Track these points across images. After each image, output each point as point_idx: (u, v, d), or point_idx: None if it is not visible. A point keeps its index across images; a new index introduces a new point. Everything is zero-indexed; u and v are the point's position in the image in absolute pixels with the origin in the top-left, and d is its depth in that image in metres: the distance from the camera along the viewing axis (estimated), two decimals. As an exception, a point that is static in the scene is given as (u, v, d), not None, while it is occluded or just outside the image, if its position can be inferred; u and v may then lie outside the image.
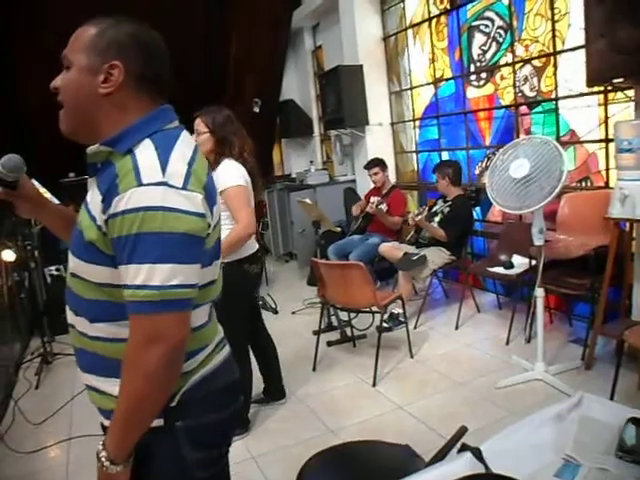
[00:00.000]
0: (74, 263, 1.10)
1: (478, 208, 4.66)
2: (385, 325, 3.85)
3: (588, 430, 0.87)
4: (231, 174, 2.64)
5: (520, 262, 3.85)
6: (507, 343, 3.67)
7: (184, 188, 1.01)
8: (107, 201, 1.00)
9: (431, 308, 4.51)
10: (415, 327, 4.07)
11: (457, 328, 4.07)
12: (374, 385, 3.27)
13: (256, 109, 6.80)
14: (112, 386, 1.08)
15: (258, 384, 3.11)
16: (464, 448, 0.93)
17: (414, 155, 5.73)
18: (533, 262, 3.57)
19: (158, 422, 1.09)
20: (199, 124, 2.75)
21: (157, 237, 0.96)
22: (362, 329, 4.05)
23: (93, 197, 1.06)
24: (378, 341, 3.35)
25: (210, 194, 1.10)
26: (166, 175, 1.00)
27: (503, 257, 4.02)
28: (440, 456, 1.07)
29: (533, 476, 0.76)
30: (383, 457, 1.20)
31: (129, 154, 1.04)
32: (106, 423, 1.13)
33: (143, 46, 1.10)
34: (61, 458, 2.85)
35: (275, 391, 3.17)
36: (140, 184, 0.98)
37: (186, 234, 0.99)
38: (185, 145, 1.09)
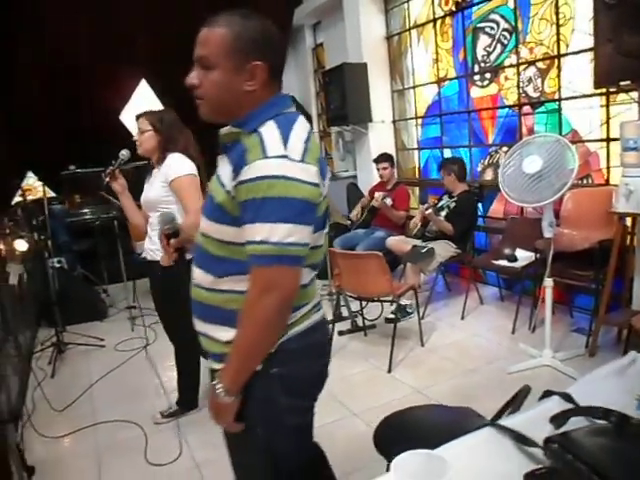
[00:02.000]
0: (206, 224, 1.30)
1: (480, 204, 4.82)
2: (392, 316, 3.99)
3: None
4: (183, 164, 2.68)
5: (523, 255, 4.01)
6: (513, 332, 3.84)
7: (301, 161, 1.18)
8: (237, 170, 1.18)
9: (435, 300, 4.66)
10: (422, 317, 4.22)
11: (463, 318, 4.23)
12: (389, 371, 3.41)
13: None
14: (224, 332, 1.28)
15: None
16: (548, 394, 1.08)
17: (415, 152, 5.88)
18: (537, 255, 3.75)
19: (257, 367, 1.26)
20: (142, 122, 2.78)
21: (278, 201, 1.14)
22: (371, 319, 4.19)
23: (224, 169, 1.26)
24: (394, 329, 3.50)
25: (322, 168, 1.27)
26: (287, 150, 1.17)
27: (507, 251, 4.18)
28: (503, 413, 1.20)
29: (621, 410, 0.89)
30: (450, 418, 1.33)
31: (254, 133, 1.21)
32: (215, 366, 1.34)
33: (272, 41, 1.26)
34: (90, 442, 2.92)
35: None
36: (265, 157, 1.15)
37: (302, 200, 1.16)
38: (301, 127, 1.25)
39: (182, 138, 2.78)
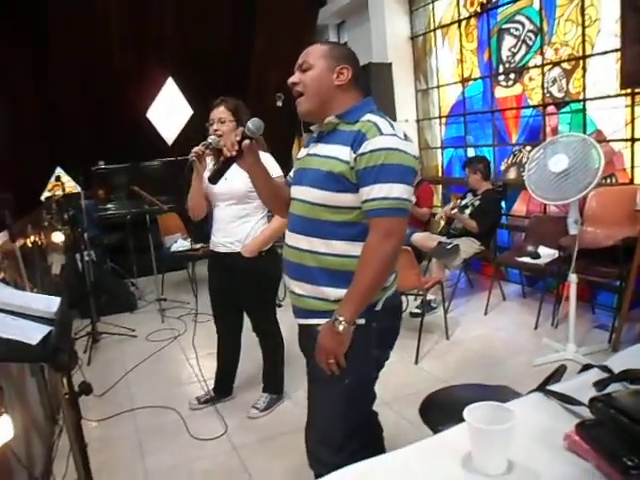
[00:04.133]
0: (316, 195, 1.55)
1: (503, 202, 4.89)
2: (418, 311, 4.08)
3: None
4: (276, 165, 2.65)
5: (546, 253, 4.09)
6: (536, 328, 3.92)
7: (406, 139, 1.53)
8: (357, 146, 1.48)
9: (457, 296, 4.75)
10: (446, 312, 4.31)
11: (486, 314, 4.32)
12: (416, 362, 3.51)
13: (279, 103, 7.01)
14: (334, 291, 1.55)
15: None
16: (588, 367, 1.19)
17: (439, 151, 5.97)
18: (561, 253, 3.82)
19: (361, 321, 1.52)
20: (222, 112, 2.70)
21: (395, 167, 1.46)
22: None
23: (330, 149, 1.56)
24: (421, 321, 3.62)
25: None
26: (395, 130, 1.51)
27: (530, 248, 4.26)
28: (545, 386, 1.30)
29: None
30: (490, 393, 1.44)
31: (359, 122, 1.53)
32: (311, 322, 1.61)
33: (355, 58, 1.66)
34: (129, 425, 3.06)
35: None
36: (382, 134, 1.48)
37: (410, 167, 1.50)
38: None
39: None
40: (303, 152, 1.74)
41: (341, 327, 1.46)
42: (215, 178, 1.65)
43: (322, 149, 1.60)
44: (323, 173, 1.54)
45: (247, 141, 1.59)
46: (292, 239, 1.65)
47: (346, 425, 1.62)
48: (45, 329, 1.45)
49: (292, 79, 1.61)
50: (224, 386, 3.25)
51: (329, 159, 1.54)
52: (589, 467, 0.90)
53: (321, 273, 1.57)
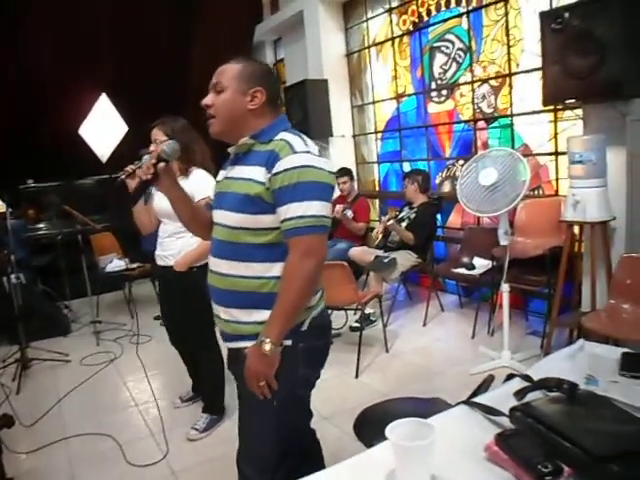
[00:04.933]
0: (237, 218, 1.54)
1: (439, 215, 5.02)
2: (357, 325, 4.11)
3: (596, 361, 1.20)
4: (205, 184, 2.63)
5: (481, 264, 4.21)
6: (473, 337, 4.03)
7: (320, 155, 1.54)
8: (270, 166, 1.48)
9: (397, 309, 4.81)
10: (385, 325, 4.36)
11: (424, 325, 4.40)
12: (357, 377, 3.53)
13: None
14: (258, 314, 1.54)
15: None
16: (511, 377, 1.23)
17: (375, 166, 6.07)
18: (494, 263, 3.95)
19: (288, 343, 1.52)
20: (156, 134, 2.76)
21: (310, 184, 1.46)
22: (336, 328, 4.30)
23: (241, 171, 1.57)
24: (360, 335, 3.65)
25: None
26: (308, 147, 1.52)
27: (465, 259, 4.39)
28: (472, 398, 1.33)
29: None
30: (423, 406, 1.46)
31: (272, 141, 1.53)
32: (239, 345, 1.59)
33: (269, 77, 1.64)
34: (62, 456, 2.91)
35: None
36: (294, 152, 1.48)
37: (325, 183, 1.50)
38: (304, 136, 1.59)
39: (197, 147, 2.82)
40: (221, 175, 1.74)
41: (268, 348, 1.45)
42: (134, 200, 1.64)
43: (238, 171, 1.59)
44: (240, 196, 1.54)
45: (162, 164, 1.57)
46: (214, 264, 1.63)
47: (277, 446, 1.61)
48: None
49: (205, 101, 1.60)
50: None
51: (245, 181, 1.54)
52: (509, 476, 0.91)
53: (243, 296, 1.56)
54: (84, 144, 6.58)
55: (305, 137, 1.57)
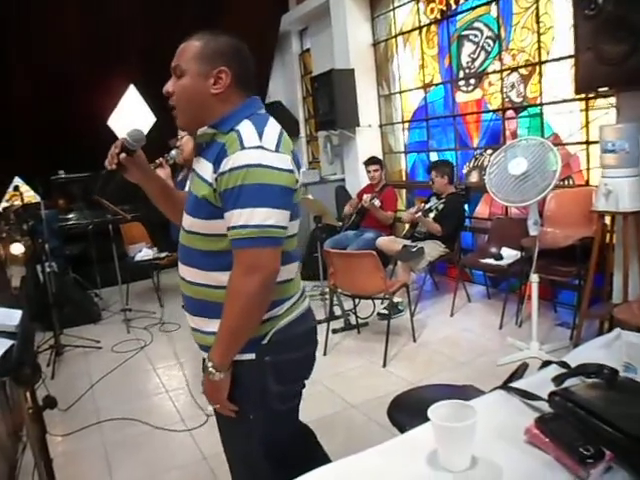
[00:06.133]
0: (191, 222, 1.38)
1: (466, 205, 4.99)
2: (385, 312, 4.12)
3: (634, 349, 1.18)
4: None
5: (509, 254, 4.18)
6: (500, 327, 4.01)
7: (276, 151, 1.29)
8: (217, 164, 1.28)
9: (423, 299, 4.82)
10: (413, 315, 4.36)
11: (452, 315, 4.40)
12: (384, 366, 3.55)
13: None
14: (214, 325, 1.34)
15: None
16: (547, 364, 1.23)
17: (402, 156, 6.05)
18: (522, 254, 3.92)
19: (250, 356, 1.36)
20: None
21: (256, 187, 1.24)
22: (364, 317, 4.32)
23: (202, 166, 1.36)
24: (387, 324, 3.65)
25: (296, 159, 1.39)
26: (262, 141, 1.28)
27: (493, 250, 4.35)
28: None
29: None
30: (455, 393, 1.47)
31: (232, 131, 1.31)
32: (204, 355, 1.41)
33: (238, 54, 1.39)
34: (96, 439, 3.00)
35: None
36: (243, 148, 1.26)
37: (278, 185, 1.27)
38: (273, 124, 1.37)
39: None
40: None
41: (212, 374, 1.32)
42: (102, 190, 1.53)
43: (200, 167, 1.39)
44: (193, 197, 1.37)
45: (123, 155, 1.42)
46: (180, 269, 1.47)
47: (264, 462, 1.45)
48: (6, 343, 1.41)
49: (166, 87, 1.40)
50: None
51: (199, 180, 1.36)
52: (549, 459, 0.92)
53: (205, 305, 1.40)
54: (113, 135, 6.69)
55: (269, 125, 1.34)
